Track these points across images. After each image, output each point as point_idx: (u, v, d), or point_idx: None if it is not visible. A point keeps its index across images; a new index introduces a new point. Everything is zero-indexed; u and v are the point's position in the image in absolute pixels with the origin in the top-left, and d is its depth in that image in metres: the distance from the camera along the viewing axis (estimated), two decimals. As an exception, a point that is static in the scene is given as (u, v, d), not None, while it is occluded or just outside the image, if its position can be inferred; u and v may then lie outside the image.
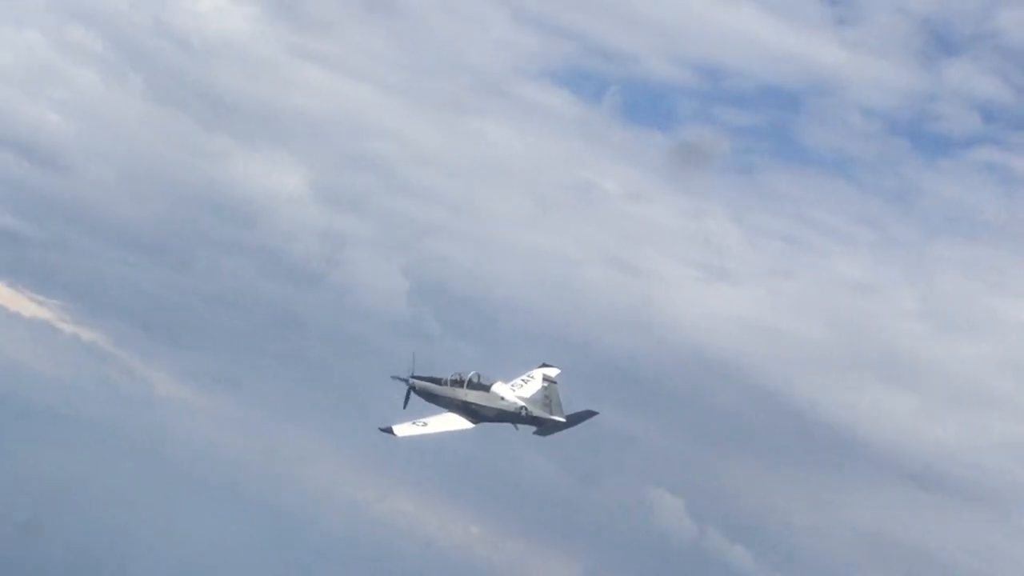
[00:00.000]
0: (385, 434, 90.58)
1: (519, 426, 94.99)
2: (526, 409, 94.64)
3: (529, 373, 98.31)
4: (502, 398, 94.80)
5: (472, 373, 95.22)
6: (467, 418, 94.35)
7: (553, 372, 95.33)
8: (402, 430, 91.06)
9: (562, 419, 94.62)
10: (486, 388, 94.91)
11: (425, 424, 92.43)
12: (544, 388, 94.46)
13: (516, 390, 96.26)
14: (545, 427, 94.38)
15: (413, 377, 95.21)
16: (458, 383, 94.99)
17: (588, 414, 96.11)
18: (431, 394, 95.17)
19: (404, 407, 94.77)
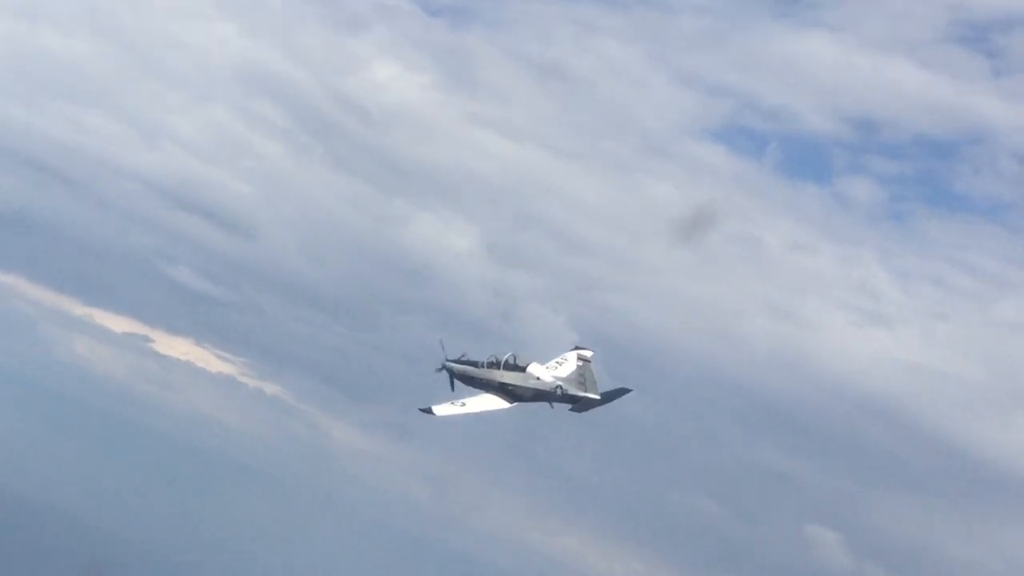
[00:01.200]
0: (425, 414, 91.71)
1: (555, 404, 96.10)
2: (562, 387, 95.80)
3: (563, 356, 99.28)
4: (538, 378, 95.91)
5: (508, 355, 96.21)
6: (504, 398, 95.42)
7: (587, 353, 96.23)
8: (441, 410, 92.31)
9: (597, 396, 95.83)
10: (522, 369, 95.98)
11: (464, 404, 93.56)
12: (579, 367, 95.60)
13: (551, 371, 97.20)
14: (581, 404, 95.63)
15: (449, 361, 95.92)
16: (495, 365, 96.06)
17: (621, 391, 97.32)
18: (469, 376, 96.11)
19: (452, 389, 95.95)
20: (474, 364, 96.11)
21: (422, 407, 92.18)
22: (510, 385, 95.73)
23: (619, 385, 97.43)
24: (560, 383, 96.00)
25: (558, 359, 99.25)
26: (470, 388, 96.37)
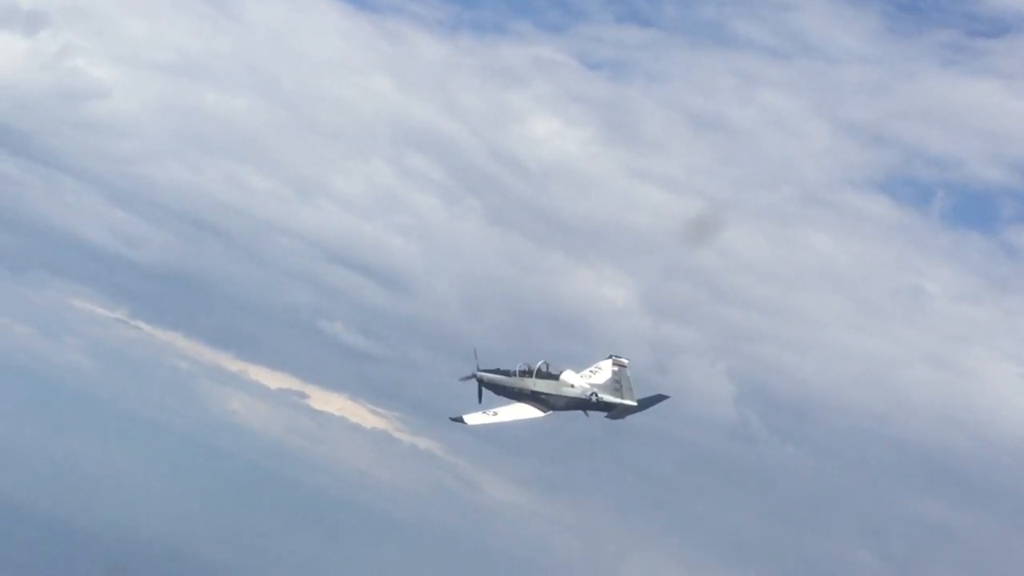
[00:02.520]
0: (456, 423, 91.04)
1: (590, 412, 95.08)
2: (596, 394, 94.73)
3: (596, 364, 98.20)
4: (572, 385, 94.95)
5: (540, 363, 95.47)
6: (537, 407, 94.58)
7: (623, 360, 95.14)
8: (473, 419, 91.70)
9: (633, 403, 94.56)
10: (555, 377, 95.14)
11: (496, 414, 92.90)
12: (614, 373, 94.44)
13: (585, 379, 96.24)
14: (617, 411, 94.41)
15: (480, 371, 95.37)
16: (527, 373, 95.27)
17: (658, 398, 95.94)
18: (500, 386, 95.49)
19: (479, 401, 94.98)
20: (507, 373, 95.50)
21: (453, 416, 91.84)
22: (543, 394, 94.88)
23: (656, 392, 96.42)
24: (595, 390, 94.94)
25: (592, 367, 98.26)
26: (503, 399, 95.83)
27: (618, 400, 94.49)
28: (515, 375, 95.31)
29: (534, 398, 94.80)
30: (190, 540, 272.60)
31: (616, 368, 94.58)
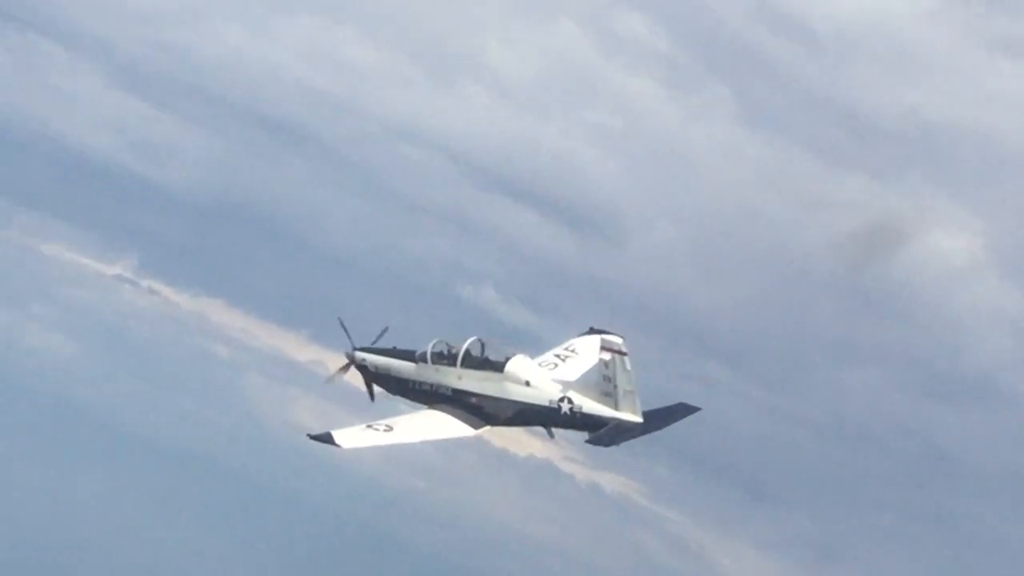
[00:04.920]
0: (322, 444, 51.59)
1: (555, 431, 55.04)
2: (570, 401, 53.99)
3: (568, 345, 58.78)
4: (525, 383, 54.52)
5: (472, 340, 55.17)
6: (464, 419, 54.48)
7: (617, 340, 54.04)
8: (348, 438, 51.82)
9: (636, 418, 53.56)
10: (498, 367, 54.64)
11: (389, 429, 52.79)
12: (603, 363, 53.24)
13: (550, 370, 56.84)
14: (608, 432, 53.62)
15: (359, 350, 56.54)
16: (445, 358, 55.32)
17: (684, 411, 55.56)
18: (399, 380, 55.66)
19: (372, 399, 57.05)
20: (408, 356, 55.66)
21: (313, 434, 51.87)
22: (475, 395, 54.72)
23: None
24: (567, 393, 54.31)
25: (559, 350, 58.11)
26: (413, 402, 56.00)
27: (609, 413, 53.60)
28: (425, 360, 55.31)
29: (459, 402, 54.81)
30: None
31: (606, 356, 53.13)
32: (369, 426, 52.69)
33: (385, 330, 56.00)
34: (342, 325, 55.47)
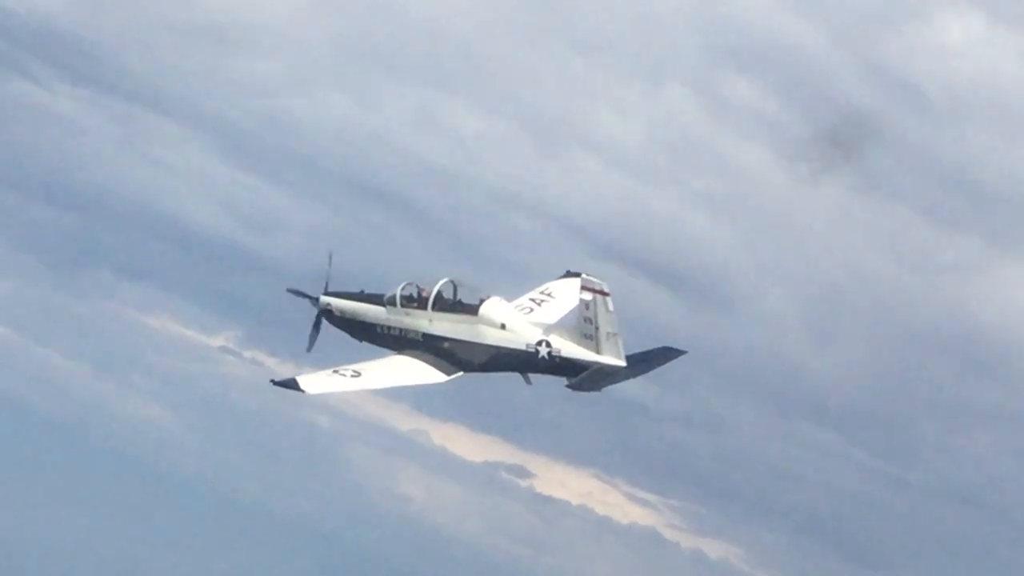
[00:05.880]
0: (285, 389, 48.67)
1: (534, 377, 51.52)
2: (549, 345, 50.43)
3: (544, 288, 55.21)
4: (500, 325, 51.10)
5: (444, 281, 51.87)
6: (435, 365, 51.21)
7: (598, 282, 50.44)
8: (313, 383, 48.87)
9: (619, 361, 49.78)
10: (471, 309, 51.25)
11: (357, 375, 49.67)
12: (584, 305, 49.67)
13: (525, 313, 53.35)
14: (588, 375, 49.94)
15: (328, 294, 53.27)
16: (415, 301, 51.98)
17: (668, 353, 52.00)
18: (365, 325, 52.51)
19: (309, 348, 53.39)
20: (376, 300, 52.52)
21: (277, 379, 49.01)
22: (446, 340, 51.44)
23: None
24: (545, 336, 50.74)
25: (536, 293, 54.66)
26: (382, 349, 52.78)
27: (591, 357, 49.90)
28: (394, 303, 52.09)
29: (429, 347, 51.56)
30: None
31: (587, 296, 49.46)
32: (335, 371, 49.55)
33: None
34: (329, 260, 52.76)
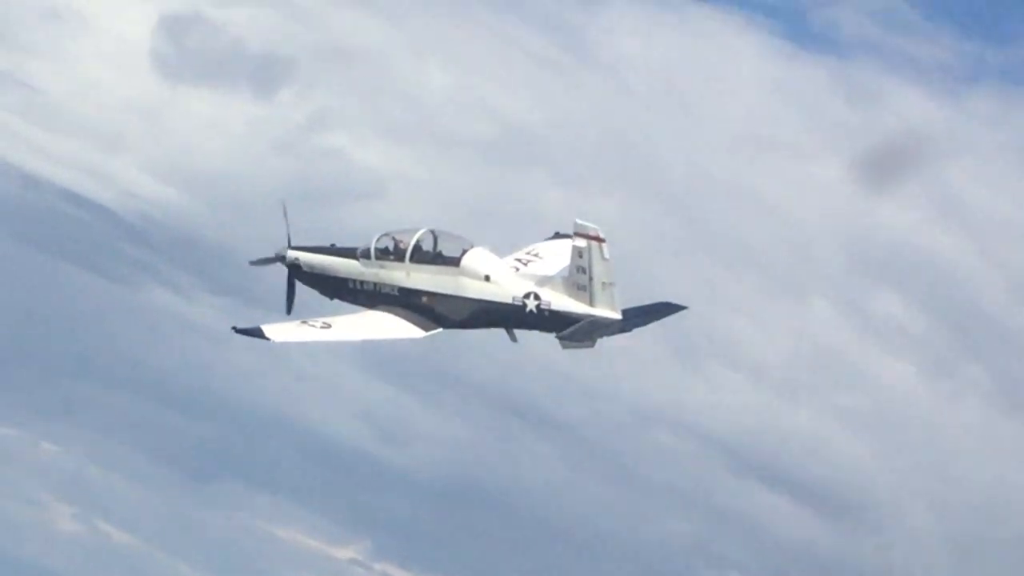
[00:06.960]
0: (249, 337, 44.57)
1: (519, 333, 47.41)
2: (537, 297, 46.15)
3: (530, 249, 51.13)
4: (485, 277, 46.91)
5: (422, 231, 47.63)
6: (412, 320, 46.95)
7: (590, 227, 46.19)
8: (280, 332, 44.86)
9: (614, 314, 45.36)
10: (452, 260, 47.06)
11: (327, 326, 45.56)
12: (577, 253, 45.39)
13: (513, 266, 49.49)
14: (581, 328, 45.55)
15: (294, 248, 49.05)
16: (391, 253, 47.72)
17: (667, 308, 48.14)
18: (336, 280, 48.29)
19: (288, 310, 48.78)
20: (348, 254, 48.39)
21: (240, 327, 44.64)
22: (425, 294, 47.20)
23: None
24: (534, 289, 46.42)
25: (522, 253, 50.62)
26: (354, 306, 48.57)
27: (583, 309, 45.61)
28: (369, 256, 47.87)
29: (407, 302, 47.30)
30: None
31: (581, 243, 45.16)
32: (304, 322, 45.57)
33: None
34: (284, 211, 48.69)
